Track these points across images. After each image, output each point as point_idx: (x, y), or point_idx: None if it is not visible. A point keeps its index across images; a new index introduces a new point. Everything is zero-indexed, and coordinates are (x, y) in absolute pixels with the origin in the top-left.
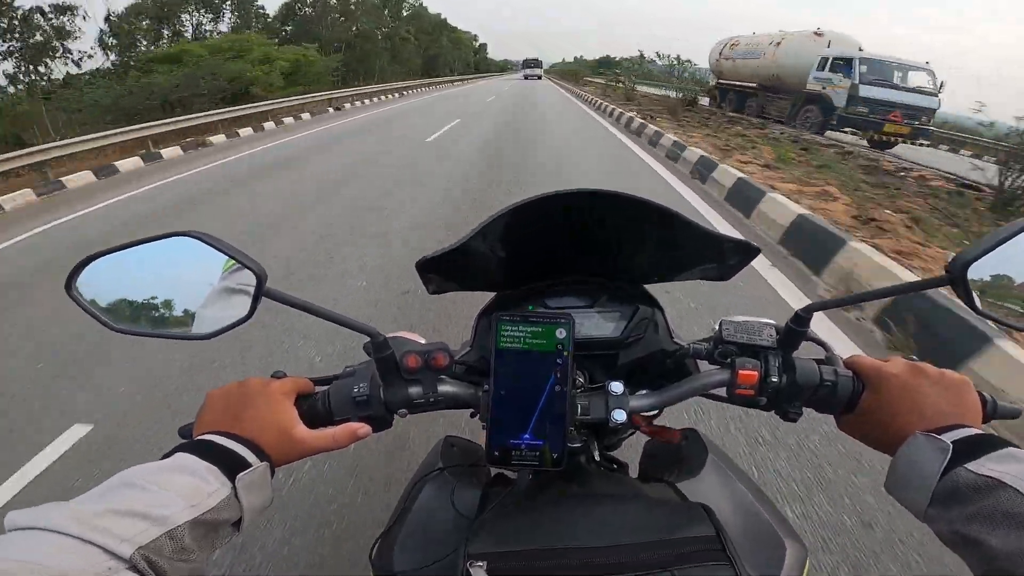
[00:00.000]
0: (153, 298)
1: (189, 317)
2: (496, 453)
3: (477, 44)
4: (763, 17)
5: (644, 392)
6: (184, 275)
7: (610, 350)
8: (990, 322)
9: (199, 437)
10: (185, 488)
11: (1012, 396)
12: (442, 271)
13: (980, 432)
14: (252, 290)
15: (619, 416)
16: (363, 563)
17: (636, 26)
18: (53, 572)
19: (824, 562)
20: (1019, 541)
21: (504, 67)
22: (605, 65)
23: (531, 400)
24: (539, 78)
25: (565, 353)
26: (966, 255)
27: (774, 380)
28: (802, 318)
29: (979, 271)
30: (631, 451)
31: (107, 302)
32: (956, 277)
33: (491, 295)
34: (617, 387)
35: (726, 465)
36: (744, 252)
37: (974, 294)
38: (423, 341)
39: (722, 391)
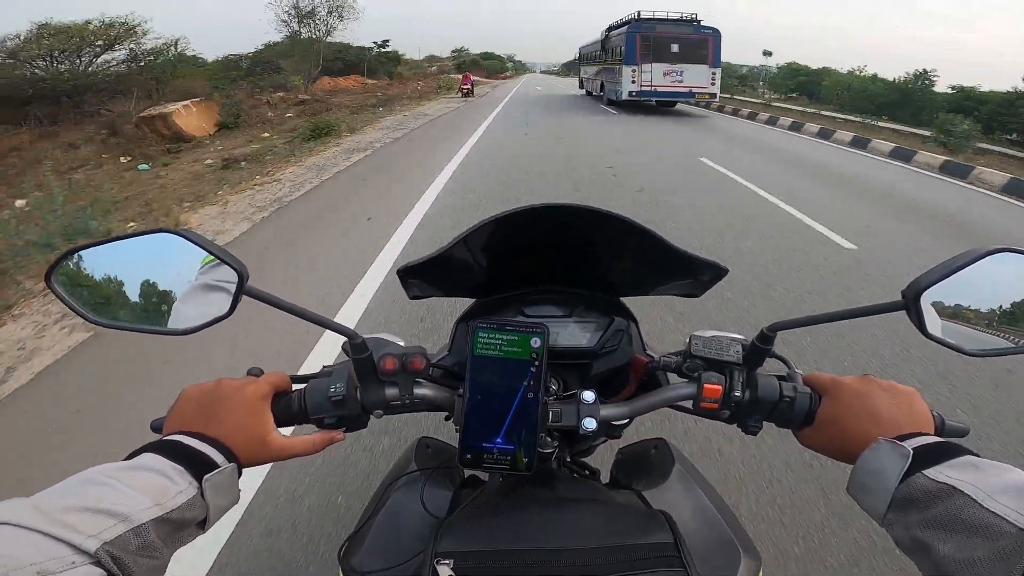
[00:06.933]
0: (134, 293)
1: (169, 313)
2: (468, 456)
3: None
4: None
5: (615, 401)
6: (166, 271)
7: (585, 360)
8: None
9: (167, 437)
10: (151, 486)
11: None
12: (425, 278)
13: (940, 440)
14: (232, 287)
15: (589, 424)
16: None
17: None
18: (23, 563)
19: None
20: (966, 549)
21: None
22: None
23: (504, 406)
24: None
25: (539, 362)
26: (920, 282)
27: (737, 395)
28: (767, 336)
29: (933, 297)
30: (606, 458)
31: (88, 294)
32: (909, 302)
33: (471, 301)
34: (589, 396)
35: (691, 475)
36: (715, 271)
37: (925, 320)
38: (402, 343)
39: (688, 403)
